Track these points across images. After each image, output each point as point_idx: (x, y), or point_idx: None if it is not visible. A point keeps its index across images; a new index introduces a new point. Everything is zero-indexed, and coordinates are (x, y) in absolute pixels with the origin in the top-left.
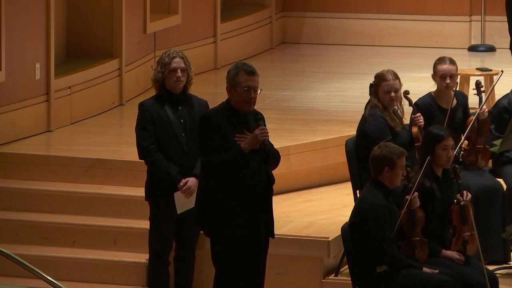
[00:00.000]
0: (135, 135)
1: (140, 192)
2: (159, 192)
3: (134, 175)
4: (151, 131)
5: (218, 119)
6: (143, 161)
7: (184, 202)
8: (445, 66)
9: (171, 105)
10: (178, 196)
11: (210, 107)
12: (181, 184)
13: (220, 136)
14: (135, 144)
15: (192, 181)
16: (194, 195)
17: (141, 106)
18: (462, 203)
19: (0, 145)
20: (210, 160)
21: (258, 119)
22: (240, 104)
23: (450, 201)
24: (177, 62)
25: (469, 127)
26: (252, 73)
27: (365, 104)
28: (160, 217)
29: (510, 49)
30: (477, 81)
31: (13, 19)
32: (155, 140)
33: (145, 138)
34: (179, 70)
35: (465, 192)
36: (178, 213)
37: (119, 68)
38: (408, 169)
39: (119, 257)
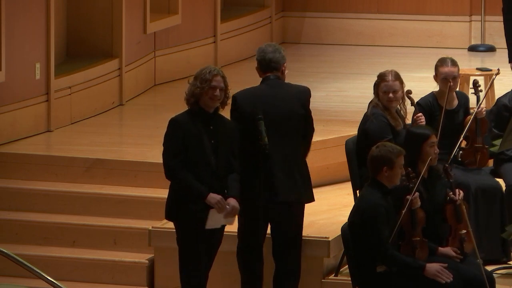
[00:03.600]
0: (162, 149)
1: (140, 192)
2: (187, 211)
3: (134, 175)
4: (180, 149)
5: None
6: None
7: (216, 221)
8: (447, 69)
9: (203, 123)
10: (213, 213)
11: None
12: (227, 206)
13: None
14: (134, 144)
15: (235, 202)
16: (230, 217)
17: (174, 122)
18: (457, 202)
19: (0, 145)
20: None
21: (259, 119)
22: None
23: (438, 199)
24: (218, 81)
25: (468, 126)
26: None
27: (367, 103)
28: (194, 241)
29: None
30: (474, 80)
31: (13, 19)
32: (184, 158)
33: (172, 156)
34: (218, 90)
35: (457, 190)
36: (205, 228)
37: (119, 68)
38: (409, 169)
39: (119, 257)
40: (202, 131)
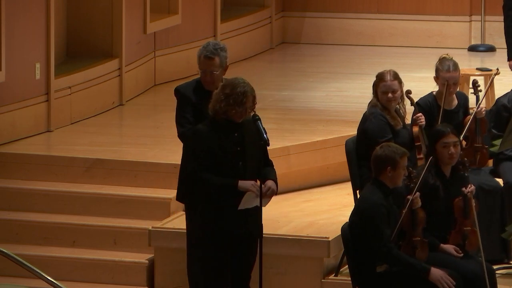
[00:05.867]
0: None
1: (140, 192)
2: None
3: (134, 175)
4: (205, 159)
5: (189, 93)
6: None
7: (248, 202)
8: (449, 75)
9: (228, 131)
10: (248, 195)
11: None
12: (263, 186)
13: (193, 109)
14: (134, 144)
15: (272, 183)
16: (267, 197)
17: (198, 133)
18: (468, 194)
19: (0, 145)
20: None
21: (256, 120)
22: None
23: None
24: (250, 102)
25: (467, 126)
26: (208, 57)
27: (367, 103)
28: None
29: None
30: (474, 80)
31: (13, 19)
32: (209, 167)
33: (196, 164)
34: (247, 109)
35: (470, 185)
36: (238, 208)
37: (119, 68)
38: (410, 169)
39: (119, 257)
40: (226, 140)
